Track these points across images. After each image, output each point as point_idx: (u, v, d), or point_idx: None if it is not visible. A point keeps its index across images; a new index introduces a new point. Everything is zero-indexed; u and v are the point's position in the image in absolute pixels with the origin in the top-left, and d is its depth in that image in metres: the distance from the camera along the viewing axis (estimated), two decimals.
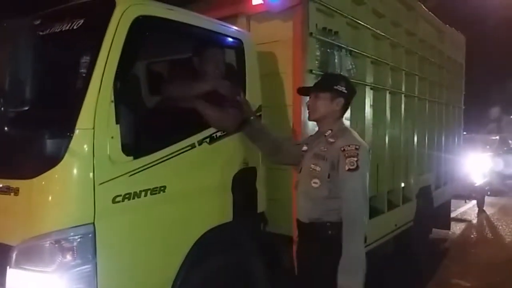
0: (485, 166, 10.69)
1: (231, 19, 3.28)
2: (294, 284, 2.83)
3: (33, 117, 1.97)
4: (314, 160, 2.46)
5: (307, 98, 2.64)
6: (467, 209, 9.74)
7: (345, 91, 2.52)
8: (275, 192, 3.17)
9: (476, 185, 9.61)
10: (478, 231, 7.99)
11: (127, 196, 2.17)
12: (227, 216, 2.78)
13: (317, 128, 2.67)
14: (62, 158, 1.97)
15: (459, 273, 5.44)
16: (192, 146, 2.54)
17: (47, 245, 1.95)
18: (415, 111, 5.18)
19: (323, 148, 2.46)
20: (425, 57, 5.49)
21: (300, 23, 3.13)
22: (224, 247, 2.74)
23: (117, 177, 2.12)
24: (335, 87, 2.50)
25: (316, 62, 3.31)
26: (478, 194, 9.72)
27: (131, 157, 2.19)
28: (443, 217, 6.82)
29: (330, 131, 2.50)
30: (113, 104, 2.10)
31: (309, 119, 2.68)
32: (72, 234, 1.96)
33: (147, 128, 2.41)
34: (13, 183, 2.07)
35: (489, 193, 10.48)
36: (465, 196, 9.30)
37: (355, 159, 2.31)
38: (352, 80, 3.71)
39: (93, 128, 2.02)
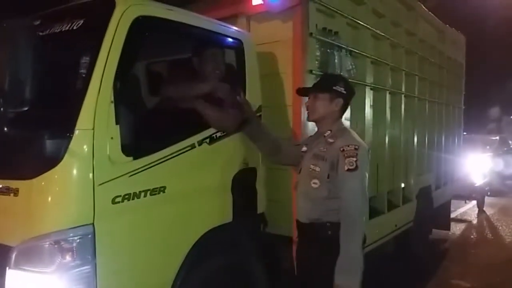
0: (485, 167, 10.68)
1: (231, 19, 3.28)
2: (294, 284, 2.83)
3: (33, 118, 1.96)
4: (314, 161, 2.46)
5: (307, 98, 2.64)
6: (467, 209, 9.74)
7: (344, 92, 2.52)
8: (275, 193, 3.17)
9: (476, 185, 9.61)
10: (478, 231, 7.99)
11: (126, 196, 2.17)
12: (227, 216, 2.77)
13: (316, 129, 2.67)
14: (62, 158, 1.97)
15: (459, 273, 5.44)
16: (192, 146, 2.54)
17: (47, 245, 1.94)
18: (415, 111, 5.18)
19: (322, 148, 2.46)
20: (425, 57, 5.49)
21: (300, 23, 3.13)
22: (224, 248, 2.74)
23: (116, 177, 2.12)
24: (334, 87, 2.51)
25: (316, 63, 3.31)
26: (478, 195, 9.72)
27: (131, 158, 2.19)
28: (443, 218, 6.82)
29: (329, 132, 2.50)
30: (113, 105, 2.10)
31: (308, 120, 2.69)
32: (71, 234, 1.96)
33: (147, 129, 2.40)
34: (13, 183, 2.06)
35: (489, 193, 10.49)
36: (465, 197, 9.31)
37: (354, 159, 2.31)
38: (352, 81, 3.73)
39: (93, 129, 2.02)
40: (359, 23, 3.87)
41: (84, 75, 2.07)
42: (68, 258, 1.95)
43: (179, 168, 2.47)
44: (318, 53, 3.34)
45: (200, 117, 2.63)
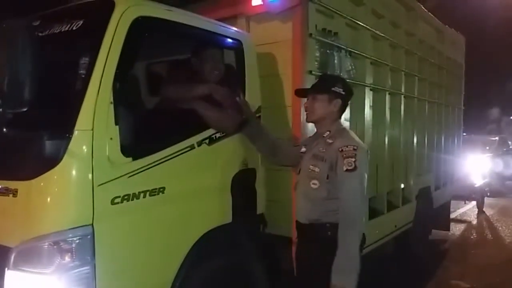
0: (485, 167, 10.69)
1: (231, 20, 3.27)
2: (294, 284, 2.83)
3: (32, 118, 1.96)
4: (313, 161, 2.47)
5: (306, 99, 2.64)
6: (467, 210, 9.74)
7: (343, 93, 2.53)
8: (274, 193, 3.17)
9: (475, 186, 9.62)
10: (478, 232, 7.99)
11: (126, 197, 2.17)
12: (227, 217, 2.77)
13: (315, 129, 2.67)
14: (61, 159, 1.96)
15: (458, 273, 5.44)
16: (192, 147, 2.54)
17: (46, 246, 1.94)
18: (414, 112, 5.19)
19: (321, 149, 2.47)
20: (425, 57, 5.49)
21: (299, 24, 3.12)
22: (224, 248, 2.74)
23: (116, 178, 2.12)
24: (333, 88, 2.51)
25: (316, 63, 3.31)
26: (478, 195, 9.72)
27: (130, 158, 2.19)
28: (443, 218, 6.82)
29: (328, 132, 2.51)
30: (112, 105, 2.09)
31: (307, 121, 2.69)
32: (70, 235, 1.95)
33: (146, 129, 2.40)
34: (12, 184, 2.06)
35: (488, 194, 10.48)
36: (465, 197, 9.31)
37: (353, 159, 2.32)
38: (351, 81, 3.74)
39: (92, 129, 2.01)
40: (359, 24, 3.87)
41: (83, 76, 2.07)
42: (67, 259, 1.94)
43: (178, 169, 2.46)
44: (317, 54, 3.34)
45: (200, 118, 2.63)
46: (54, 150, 1.98)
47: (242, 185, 2.88)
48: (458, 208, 9.47)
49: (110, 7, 2.15)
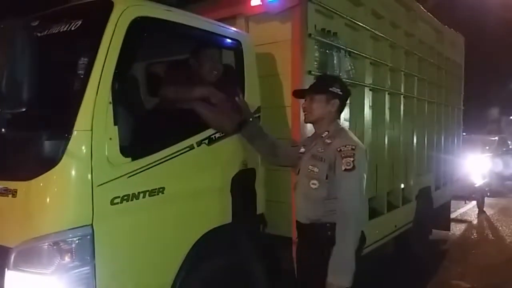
0: (485, 167, 10.69)
1: (230, 20, 3.27)
2: (294, 284, 2.83)
3: (31, 119, 1.96)
4: (312, 161, 2.47)
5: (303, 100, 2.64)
6: (467, 210, 9.73)
7: (340, 93, 2.54)
8: (274, 193, 3.17)
9: (476, 186, 9.61)
10: (478, 232, 7.98)
11: (125, 197, 2.17)
12: (226, 217, 2.77)
13: (314, 130, 2.67)
14: (60, 159, 1.96)
15: (459, 273, 5.44)
16: (191, 147, 2.54)
17: (45, 247, 1.94)
18: (414, 112, 5.18)
19: (320, 149, 2.47)
20: (424, 58, 5.49)
21: (298, 24, 3.12)
22: (224, 249, 2.74)
23: (115, 178, 2.12)
24: (330, 89, 2.52)
25: (315, 63, 3.31)
26: (478, 195, 9.71)
27: (130, 159, 2.19)
28: (443, 218, 6.82)
29: (327, 133, 2.52)
30: (111, 106, 2.09)
31: (305, 121, 2.70)
32: (70, 236, 1.95)
33: (146, 130, 2.40)
34: (11, 184, 2.06)
35: (488, 194, 10.47)
36: (465, 197, 9.30)
37: (352, 159, 2.32)
38: (351, 81, 3.74)
39: (91, 130, 2.01)
40: (358, 24, 3.87)
41: (82, 76, 2.06)
42: (67, 259, 1.94)
43: (178, 169, 2.46)
44: (317, 54, 3.34)
45: (199, 118, 2.63)
46: (53, 150, 1.99)
47: (242, 185, 2.88)
48: (458, 208, 9.47)
49: (109, 7, 2.15)
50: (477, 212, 9.58)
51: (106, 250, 2.07)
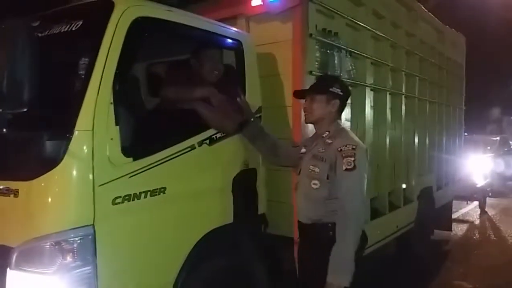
0: (486, 167, 10.67)
1: (231, 20, 3.28)
2: (295, 285, 2.83)
3: (33, 119, 1.97)
4: (313, 162, 2.47)
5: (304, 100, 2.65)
6: (469, 210, 9.71)
7: (341, 93, 2.54)
8: (275, 194, 3.17)
9: (477, 186, 9.59)
10: (480, 232, 7.96)
11: (127, 197, 2.17)
12: (228, 217, 2.77)
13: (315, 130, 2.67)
14: (62, 159, 1.97)
15: (461, 274, 5.43)
16: (192, 147, 2.54)
17: (47, 246, 1.94)
18: (415, 112, 5.18)
19: (321, 149, 2.47)
20: (425, 58, 5.48)
21: (299, 24, 3.12)
22: (225, 249, 2.74)
23: (116, 178, 2.12)
24: (331, 89, 2.53)
25: (316, 63, 3.31)
26: (480, 195, 9.69)
27: (131, 159, 2.19)
28: (445, 218, 6.81)
29: (327, 133, 2.52)
30: (112, 106, 2.10)
31: (306, 122, 2.70)
32: (72, 235, 1.96)
33: (147, 130, 2.40)
34: (13, 184, 2.06)
35: (490, 194, 10.45)
36: (467, 197, 9.29)
37: (352, 158, 2.32)
38: (352, 81, 3.74)
39: (93, 130, 2.02)
40: (359, 24, 3.87)
41: (83, 76, 2.07)
42: (68, 259, 1.95)
43: (179, 169, 2.47)
44: (317, 54, 3.34)
45: (200, 118, 2.63)
46: (55, 150, 1.99)
47: (243, 185, 2.88)
48: (460, 208, 9.46)
49: (110, 8, 2.16)
50: (479, 212, 9.57)
51: (107, 250, 2.07)
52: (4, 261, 1.99)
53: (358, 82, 3.92)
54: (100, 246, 2.02)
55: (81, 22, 2.19)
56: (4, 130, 1.95)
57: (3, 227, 2.12)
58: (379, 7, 4.24)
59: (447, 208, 6.85)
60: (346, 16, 3.64)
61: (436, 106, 6.01)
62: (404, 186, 4.90)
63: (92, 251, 2.00)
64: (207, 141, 2.65)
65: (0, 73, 1.83)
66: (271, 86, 3.23)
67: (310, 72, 3.16)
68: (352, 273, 2.25)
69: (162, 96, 2.74)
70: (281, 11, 3.17)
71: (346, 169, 2.32)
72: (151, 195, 2.29)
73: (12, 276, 1.97)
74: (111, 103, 2.09)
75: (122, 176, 2.14)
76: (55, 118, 2.07)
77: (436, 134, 6.01)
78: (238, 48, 2.98)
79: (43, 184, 1.99)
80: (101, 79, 2.05)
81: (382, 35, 4.29)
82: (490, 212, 9.61)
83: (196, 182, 2.59)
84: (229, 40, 2.95)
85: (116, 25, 2.13)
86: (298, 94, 2.78)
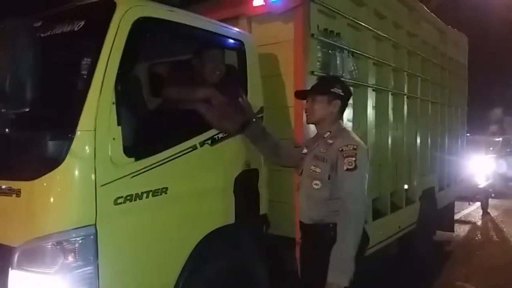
0: (489, 168, 10.64)
1: (232, 20, 3.28)
2: (297, 285, 2.83)
3: (35, 119, 1.97)
4: (314, 162, 2.48)
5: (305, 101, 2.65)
6: (471, 211, 9.68)
7: (342, 93, 2.55)
8: (277, 194, 3.17)
9: (480, 187, 9.57)
10: (483, 233, 7.93)
11: (128, 197, 2.17)
12: (229, 217, 2.77)
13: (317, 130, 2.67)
14: (64, 159, 1.97)
15: (463, 275, 5.41)
16: (194, 147, 2.54)
17: (49, 246, 1.94)
18: (417, 112, 5.18)
19: (322, 149, 2.48)
20: (428, 58, 5.48)
21: (301, 24, 3.13)
22: (227, 249, 2.74)
23: (118, 178, 2.12)
24: (332, 89, 2.53)
25: (318, 64, 3.31)
26: (482, 196, 9.67)
27: (133, 159, 2.19)
28: (447, 219, 6.80)
29: (328, 133, 2.52)
30: (114, 106, 2.10)
31: (307, 122, 2.70)
32: (73, 235, 1.96)
33: (149, 130, 2.40)
34: (15, 184, 2.06)
35: (493, 195, 10.42)
36: (469, 198, 9.25)
37: (353, 158, 2.32)
38: (354, 82, 3.74)
39: (95, 130, 2.02)
40: (361, 24, 3.86)
41: (85, 76, 2.07)
42: (70, 259, 1.95)
43: (181, 169, 2.47)
44: (319, 54, 3.33)
45: (202, 119, 2.63)
46: (57, 150, 1.99)
47: (245, 186, 2.88)
48: (463, 209, 9.43)
49: (112, 8, 2.16)
50: (481, 213, 9.54)
51: (109, 250, 2.07)
52: (6, 261, 1.99)
53: (360, 83, 3.92)
54: (101, 246, 2.03)
55: (83, 23, 2.19)
56: (7, 130, 1.94)
57: (5, 227, 2.13)
58: (381, 7, 4.23)
59: (449, 209, 6.83)
60: (347, 16, 3.64)
61: (438, 107, 6.01)
62: (406, 186, 4.89)
63: (94, 251, 2.01)
64: (209, 141, 2.65)
65: (3, 73, 1.84)
66: (273, 86, 3.23)
67: (312, 73, 3.16)
68: (352, 273, 2.25)
69: (164, 96, 2.74)
70: (283, 11, 3.17)
71: (347, 169, 2.32)
72: (153, 195, 2.29)
73: (14, 276, 1.98)
74: (113, 103, 2.10)
75: (124, 176, 2.14)
76: (57, 118, 2.08)
77: (438, 135, 6.01)
78: (240, 48, 2.98)
79: (45, 184, 2.00)
80: (103, 79, 2.05)
81: (384, 35, 4.29)
82: (493, 213, 9.59)
83: (198, 182, 2.59)
84: (231, 41, 2.95)
85: (118, 25, 2.14)
86: (299, 94, 2.79)
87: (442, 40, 6.11)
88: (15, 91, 1.85)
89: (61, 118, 2.08)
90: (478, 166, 9.85)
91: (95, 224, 2.02)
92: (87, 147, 2.01)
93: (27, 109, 1.87)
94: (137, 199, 2.21)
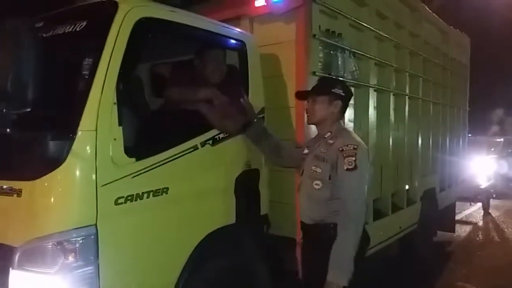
0: (490, 169, 10.63)
1: (234, 21, 3.28)
2: (298, 285, 2.83)
3: (36, 119, 1.97)
4: (315, 162, 2.48)
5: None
6: (472, 211, 9.67)
7: (343, 94, 2.55)
8: (278, 194, 3.17)
9: (481, 187, 9.56)
10: (484, 233, 7.93)
11: (129, 198, 2.17)
12: (230, 218, 2.77)
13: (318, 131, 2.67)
14: (65, 159, 1.97)
15: (464, 275, 5.41)
16: (195, 148, 2.54)
17: (50, 246, 1.94)
18: (419, 113, 5.17)
19: (323, 150, 2.48)
20: (429, 58, 5.47)
21: (303, 25, 3.12)
22: (227, 249, 2.74)
23: (119, 178, 2.12)
24: (333, 90, 2.54)
25: (319, 64, 3.30)
26: (483, 197, 9.66)
27: (134, 159, 2.19)
28: (448, 220, 6.78)
29: (329, 133, 2.53)
30: (115, 106, 2.10)
31: (308, 123, 2.71)
32: (74, 235, 1.96)
33: (150, 130, 2.40)
34: (16, 184, 2.06)
35: (494, 195, 10.41)
36: (470, 199, 9.25)
37: (353, 158, 2.33)
38: (355, 82, 3.74)
39: (96, 130, 2.02)
40: (363, 25, 3.86)
41: (87, 77, 2.07)
42: (71, 259, 1.95)
43: (182, 170, 2.47)
44: (321, 55, 3.33)
45: (203, 119, 2.63)
46: (58, 150, 1.99)
47: (246, 186, 2.88)
48: (464, 210, 9.42)
49: (114, 8, 2.16)
50: (482, 214, 9.53)
51: (110, 250, 2.07)
52: (6, 261, 1.99)
53: (362, 83, 3.91)
54: (102, 246, 2.03)
55: (85, 23, 2.20)
56: (8, 130, 1.94)
57: (6, 227, 2.13)
58: (383, 8, 4.23)
59: (451, 210, 6.82)
60: (349, 16, 3.64)
61: (440, 107, 6.00)
62: (407, 187, 4.89)
63: (95, 251, 2.01)
64: (210, 142, 2.65)
65: (5, 73, 1.84)
66: (274, 87, 3.23)
67: (314, 73, 3.16)
68: (351, 273, 2.25)
69: (166, 97, 2.75)
70: (284, 12, 3.17)
71: (347, 169, 2.32)
72: (153, 196, 2.29)
73: (15, 275, 1.98)
74: (115, 103, 2.10)
75: (125, 176, 2.14)
76: (59, 118, 2.08)
77: (439, 135, 6.00)
78: (241, 49, 2.98)
79: (46, 184, 2.00)
80: (104, 79, 2.05)
81: (386, 35, 4.28)
82: (494, 213, 9.58)
83: (199, 183, 2.59)
84: (233, 41, 2.95)
85: (120, 25, 2.14)
86: (300, 95, 2.79)
87: (444, 40, 6.10)
88: (16, 91, 1.85)
89: (62, 118, 2.08)
90: (480, 166, 9.84)
91: (95, 224, 2.02)
92: (88, 147, 2.01)
93: (29, 109, 1.87)
94: (138, 199, 2.21)
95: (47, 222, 1.99)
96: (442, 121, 6.13)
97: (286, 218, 3.10)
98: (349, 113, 3.67)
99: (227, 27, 2.95)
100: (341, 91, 2.54)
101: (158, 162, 2.31)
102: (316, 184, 2.44)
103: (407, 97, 4.82)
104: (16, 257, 1.97)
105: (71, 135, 1.98)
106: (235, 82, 2.92)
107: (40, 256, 1.95)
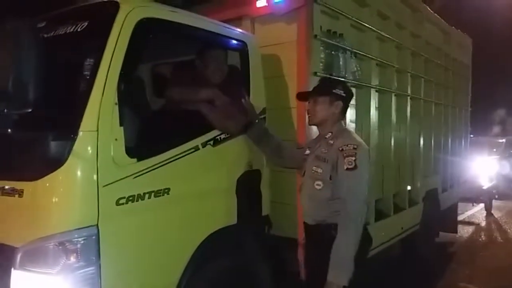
0: (492, 169, 10.61)
1: (236, 21, 3.28)
2: (299, 285, 2.83)
3: (38, 119, 1.97)
4: (316, 163, 2.49)
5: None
6: (475, 212, 9.66)
7: (344, 94, 2.56)
8: (279, 195, 3.16)
9: (483, 188, 9.54)
10: (486, 234, 7.91)
11: (131, 198, 2.17)
12: (232, 218, 2.77)
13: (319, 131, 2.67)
14: (66, 160, 1.97)
15: (466, 276, 5.40)
16: (196, 148, 2.54)
17: (51, 246, 1.95)
18: (421, 113, 5.16)
19: (324, 150, 2.48)
20: (431, 59, 5.46)
21: (304, 25, 3.12)
22: (229, 250, 2.73)
23: (121, 179, 2.12)
24: (334, 90, 2.54)
25: (321, 65, 3.30)
26: (486, 197, 9.64)
27: (135, 159, 2.19)
28: (450, 220, 6.77)
29: (330, 134, 2.53)
30: (117, 106, 2.10)
31: (309, 124, 2.71)
32: (76, 236, 1.96)
33: (151, 130, 2.41)
34: (18, 184, 2.07)
35: (496, 196, 10.40)
36: (473, 199, 9.25)
37: (353, 158, 2.33)
38: (357, 83, 3.74)
39: (97, 130, 2.02)
40: (364, 25, 3.86)
41: (88, 77, 2.07)
42: (72, 259, 1.95)
43: (183, 170, 2.46)
44: (322, 55, 3.33)
45: (204, 119, 2.63)
46: (59, 151, 2.00)
47: (247, 187, 2.87)
48: (466, 211, 9.41)
49: (115, 9, 2.17)
50: (484, 214, 9.52)
51: (111, 250, 2.07)
52: (8, 261, 2.00)
53: (363, 84, 3.91)
54: (104, 246, 2.03)
55: (86, 23, 2.20)
56: (9, 130, 1.95)
57: (8, 227, 2.14)
58: (384, 8, 4.22)
59: (453, 210, 6.81)
60: (350, 17, 3.63)
61: (441, 108, 5.99)
62: (409, 187, 4.88)
63: (96, 252, 2.01)
64: (211, 142, 2.64)
65: (6, 74, 1.84)
66: (275, 87, 3.23)
67: (315, 74, 3.15)
68: (351, 273, 2.25)
69: (167, 97, 2.75)
70: (286, 12, 3.16)
71: (347, 169, 2.32)
72: (155, 196, 2.29)
73: (17, 276, 1.98)
74: (116, 103, 2.10)
75: (126, 177, 2.14)
76: (60, 119, 2.08)
77: (441, 136, 5.99)
78: (242, 49, 2.98)
79: (47, 185, 2.00)
80: (106, 79, 2.06)
81: (387, 36, 4.28)
82: (496, 214, 9.56)
83: (200, 183, 2.59)
84: (234, 41, 2.95)
85: (121, 26, 2.14)
86: (301, 96, 2.78)
87: (445, 41, 6.09)
88: (18, 91, 1.86)
89: (63, 118, 2.08)
90: (482, 167, 9.83)
91: (97, 224, 2.02)
92: (89, 148, 2.01)
93: (30, 110, 1.88)
94: (139, 200, 2.21)
95: (48, 223, 1.99)
96: (444, 121, 6.11)
97: (288, 219, 3.09)
98: (351, 114, 3.66)
99: (228, 28, 2.95)
100: (342, 91, 2.55)
101: (160, 163, 2.31)
102: (317, 185, 2.45)
103: (408, 97, 4.81)
104: (18, 257, 1.97)
105: (72, 135, 1.98)
106: (237, 82, 2.92)
107: (41, 257, 1.95)
